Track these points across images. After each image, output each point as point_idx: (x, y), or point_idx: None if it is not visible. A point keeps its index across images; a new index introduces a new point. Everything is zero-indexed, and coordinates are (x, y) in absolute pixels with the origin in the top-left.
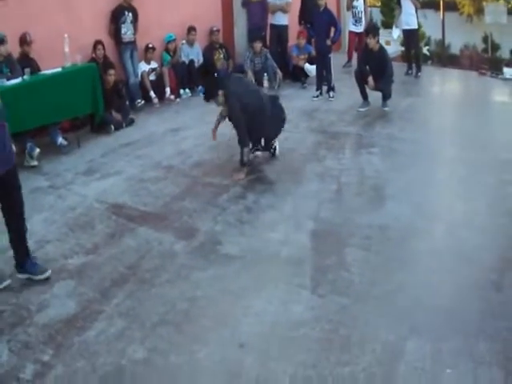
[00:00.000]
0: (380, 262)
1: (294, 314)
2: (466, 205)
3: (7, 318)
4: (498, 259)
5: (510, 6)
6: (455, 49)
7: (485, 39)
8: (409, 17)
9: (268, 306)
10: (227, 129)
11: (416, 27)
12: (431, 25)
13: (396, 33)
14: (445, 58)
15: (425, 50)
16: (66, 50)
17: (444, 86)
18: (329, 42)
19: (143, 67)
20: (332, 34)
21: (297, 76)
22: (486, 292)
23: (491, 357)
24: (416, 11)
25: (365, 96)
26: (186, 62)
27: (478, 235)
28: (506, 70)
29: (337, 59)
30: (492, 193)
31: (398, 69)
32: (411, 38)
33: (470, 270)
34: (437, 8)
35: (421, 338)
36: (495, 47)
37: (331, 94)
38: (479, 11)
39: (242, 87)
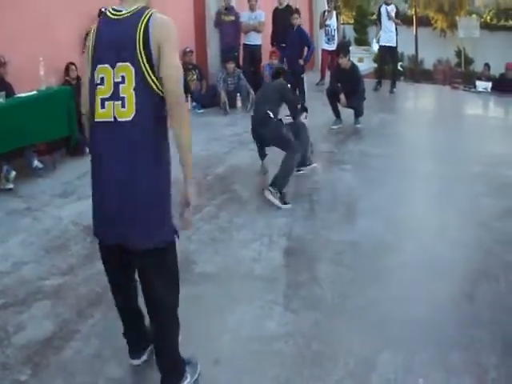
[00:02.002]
0: (352, 277)
1: (268, 330)
2: (439, 218)
3: None
4: (471, 271)
5: (482, 20)
6: (428, 64)
7: (458, 53)
8: (389, 34)
9: (242, 322)
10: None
11: (395, 45)
12: (404, 40)
13: (376, 47)
14: (418, 74)
15: (398, 65)
16: (42, 73)
17: (417, 101)
18: (301, 62)
19: None
20: (305, 53)
21: None
22: (459, 304)
23: (464, 366)
24: (396, 29)
25: (337, 114)
26: None
27: (450, 248)
28: (478, 83)
29: (310, 77)
30: (464, 205)
31: (371, 85)
32: (389, 54)
33: (443, 283)
34: (409, 23)
35: (393, 350)
36: (468, 61)
37: (304, 114)
38: (452, 26)
39: None
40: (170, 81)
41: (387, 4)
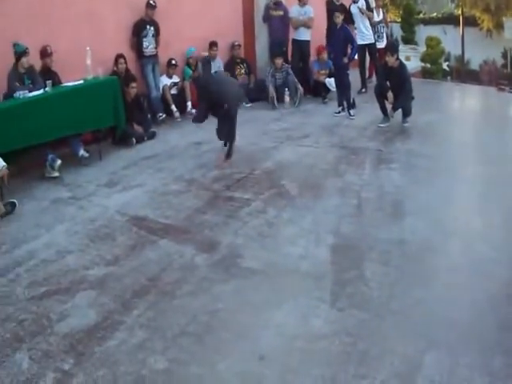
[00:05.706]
0: (398, 276)
1: (314, 328)
2: (484, 220)
3: (28, 326)
4: None
5: None
6: (475, 64)
7: (504, 54)
8: (365, 33)
9: (288, 319)
10: None
11: (373, 41)
12: (451, 40)
13: None
14: (464, 74)
15: (444, 65)
16: (88, 62)
17: (463, 101)
18: (346, 60)
19: (165, 81)
20: (349, 51)
21: (317, 91)
22: (503, 306)
23: (507, 371)
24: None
25: (385, 112)
26: None
27: (494, 250)
28: None
29: (358, 75)
30: (509, 208)
31: (419, 85)
32: (369, 53)
33: (487, 285)
34: (456, 23)
35: (438, 351)
36: None
37: (352, 112)
38: (498, 26)
39: None
40: None
41: (355, 2)
